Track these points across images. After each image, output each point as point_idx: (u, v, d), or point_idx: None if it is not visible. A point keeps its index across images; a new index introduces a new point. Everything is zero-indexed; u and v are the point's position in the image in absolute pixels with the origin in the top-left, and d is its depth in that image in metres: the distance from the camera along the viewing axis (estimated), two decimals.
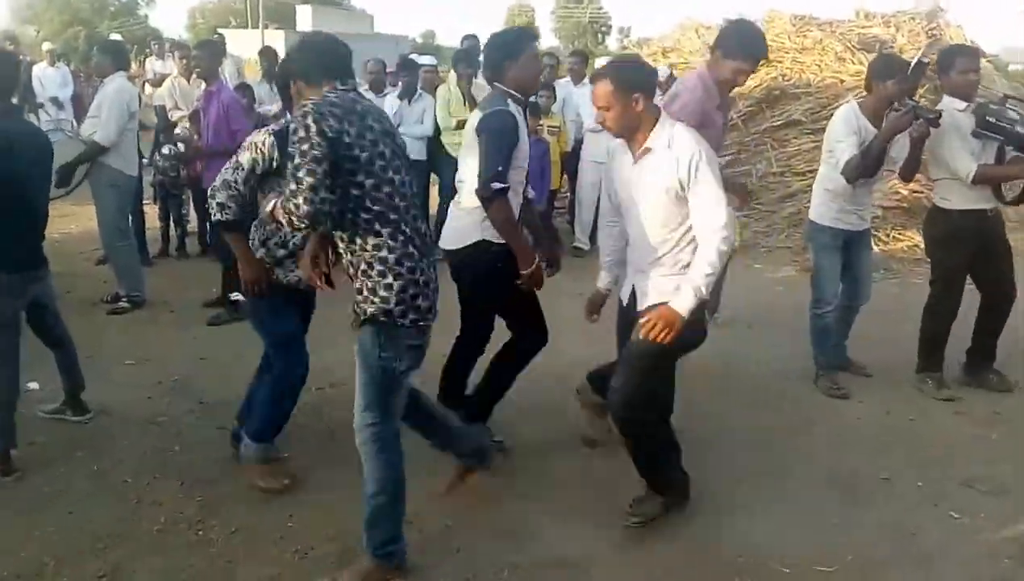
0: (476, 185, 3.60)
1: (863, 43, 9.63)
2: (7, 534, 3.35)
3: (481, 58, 4.12)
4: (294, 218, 2.71)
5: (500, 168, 3.55)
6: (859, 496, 3.79)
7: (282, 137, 3.37)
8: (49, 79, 11.50)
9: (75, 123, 10.29)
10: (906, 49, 9.62)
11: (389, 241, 2.84)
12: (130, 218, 6.59)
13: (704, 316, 3.33)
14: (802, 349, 5.06)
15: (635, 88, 3.15)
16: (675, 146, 3.13)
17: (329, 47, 3.04)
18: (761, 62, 4.10)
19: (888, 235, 8.22)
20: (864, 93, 4.89)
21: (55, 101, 11.27)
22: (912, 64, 4.66)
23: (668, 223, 3.20)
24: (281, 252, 3.63)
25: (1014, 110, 4.52)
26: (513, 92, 3.70)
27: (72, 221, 8.23)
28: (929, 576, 3.26)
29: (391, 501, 3.03)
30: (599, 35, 64.90)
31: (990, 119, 4.49)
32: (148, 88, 10.83)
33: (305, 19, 45.04)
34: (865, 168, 4.53)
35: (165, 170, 7.56)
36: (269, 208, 2.93)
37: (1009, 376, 4.94)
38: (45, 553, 3.22)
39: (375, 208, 2.81)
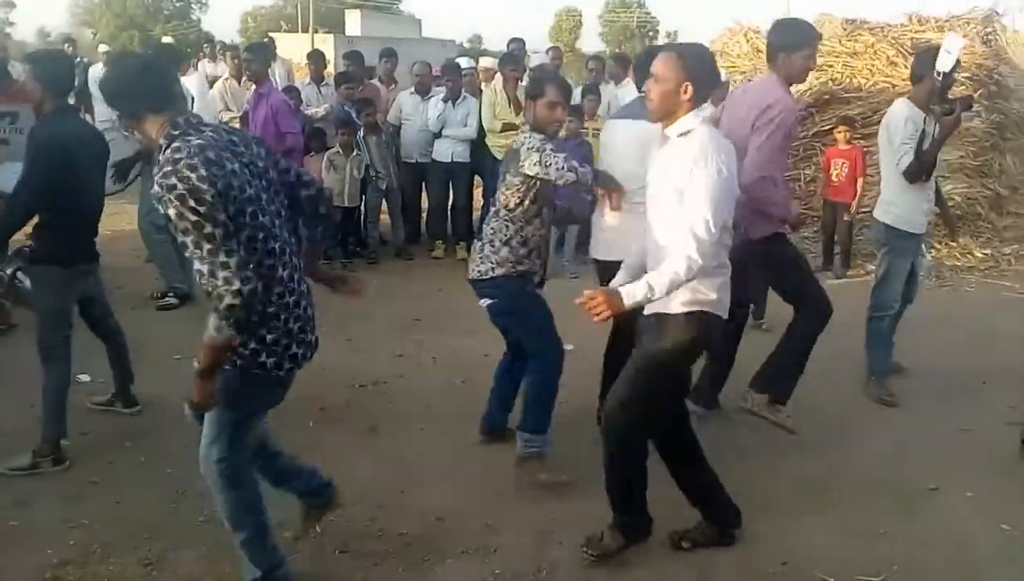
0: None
1: (916, 48, 9.45)
2: (56, 521, 3.43)
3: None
4: (236, 312, 2.40)
5: None
6: (906, 505, 3.71)
7: None
8: None
9: None
10: (959, 54, 9.41)
11: (263, 295, 2.54)
12: None
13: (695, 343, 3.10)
14: (850, 353, 4.98)
15: (693, 78, 2.93)
16: (690, 139, 2.94)
17: (145, 69, 2.65)
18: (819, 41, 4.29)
19: (940, 242, 8.06)
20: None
21: None
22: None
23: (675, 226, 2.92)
24: (522, 251, 3.80)
25: None
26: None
27: (125, 219, 8.39)
28: None
29: (254, 535, 2.85)
30: (646, 39, 64.62)
31: None
32: None
33: (354, 24, 45.51)
34: (922, 171, 4.55)
35: None
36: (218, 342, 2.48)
37: None
38: (92, 540, 3.30)
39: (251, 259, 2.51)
